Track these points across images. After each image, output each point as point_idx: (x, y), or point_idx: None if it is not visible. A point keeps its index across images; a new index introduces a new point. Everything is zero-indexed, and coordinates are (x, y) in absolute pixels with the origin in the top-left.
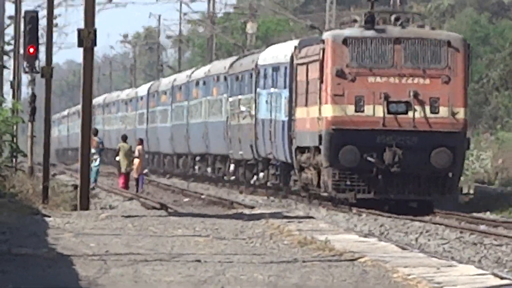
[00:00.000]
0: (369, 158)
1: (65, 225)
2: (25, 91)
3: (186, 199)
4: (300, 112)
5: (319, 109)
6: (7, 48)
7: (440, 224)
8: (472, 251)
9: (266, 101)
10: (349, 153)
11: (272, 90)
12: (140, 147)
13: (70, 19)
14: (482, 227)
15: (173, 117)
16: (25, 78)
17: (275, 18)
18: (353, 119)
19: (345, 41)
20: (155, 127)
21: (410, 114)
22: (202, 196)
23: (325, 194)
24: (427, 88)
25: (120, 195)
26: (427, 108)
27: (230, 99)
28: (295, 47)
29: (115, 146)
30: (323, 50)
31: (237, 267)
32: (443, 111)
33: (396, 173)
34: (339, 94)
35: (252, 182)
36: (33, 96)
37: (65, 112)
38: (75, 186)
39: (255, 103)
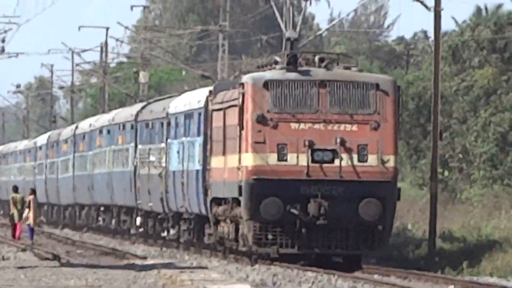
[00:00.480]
0: (292, 210)
1: None
2: None
3: (79, 251)
4: (216, 161)
5: (239, 158)
6: None
7: (333, 274)
8: None
9: (178, 152)
10: (271, 205)
11: (184, 139)
12: (31, 196)
13: None
14: (376, 277)
15: (76, 167)
16: None
17: (167, 67)
18: (275, 169)
19: (266, 84)
20: (55, 177)
21: (337, 162)
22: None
23: (244, 248)
24: (355, 135)
25: (14, 246)
26: (355, 156)
27: (140, 147)
28: (210, 92)
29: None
30: (243, 94)
31: None
32: (372, 159)
33: (321, 226)
34: (260, 141)
35: (163, 235)
36: None
37: None
38: None
39: (166, 153)
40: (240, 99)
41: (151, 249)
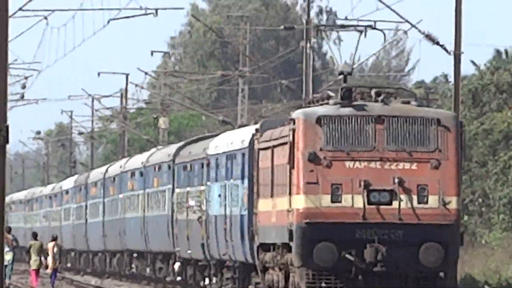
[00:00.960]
0: (347, 256)
1: None
2: None
3: None
4: (263, 205)
5: (289, 200)
6: None
7: None
8: None
9: (219, 195)
10: (325, 251)
11: (226, 182)
12: (52, 243)
13: None
14: None
15: (106, 211)
16: None
17: (187, 113)
18: (328, 211)
19: (318, 120)
20: (83, 223)
21: (395, 204)
22: None
23: None
24: (414, 174)
25: None
26: (414, 198)
27: (177, 191)
28: (256, 130)
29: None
30: (293, 130)
31: None
32: (433, 200)
33: (379, 273)
34: (313, 182)
35: (202, 285)
36: None
37: None
38: None
39: (206, 197)
40: (291, 136)
41: None
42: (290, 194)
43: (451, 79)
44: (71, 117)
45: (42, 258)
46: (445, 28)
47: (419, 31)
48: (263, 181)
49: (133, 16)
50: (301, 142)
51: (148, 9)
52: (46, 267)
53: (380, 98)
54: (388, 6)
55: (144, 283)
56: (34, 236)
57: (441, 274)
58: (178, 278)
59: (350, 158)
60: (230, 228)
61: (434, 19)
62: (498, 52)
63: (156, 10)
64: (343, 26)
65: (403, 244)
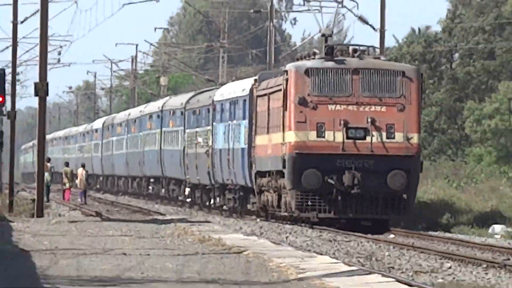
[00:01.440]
0: (330, 181)
1: (25, 228)
2: None
3: (116, 209)
4: (260, 140)
5: (283, 136)
6: None
7: (304, 226)
8: (328, 246)
9: (224, 133)
10: (312, 176)
11: (229, 122)
12: (81, 169)
13: (29, 75)
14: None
15: (128, 146)
16: None
17: (181, 74)
18: (314, 144)
19: (307, 71)
20: (110, 154)
21: (368, 139)
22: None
23: (285, 214)
24: (384, 115)
25: (67, 206)
26: (384, 134)
27: (188, 131)
28: (255, 80)
29: (75, 171)
30: (287, 80)
31: (153, 258)
32: (399, 136)
33: (355, 195)
34: (302, 121)
35: (209, 204)
36: (1, 133)
37: (30, 144)
38: (33, 200)
39: (212, 135)
40: (284, 85)
41: (169, 208)
42: (283, 130)
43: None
44: (95, 76)
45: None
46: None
47: (354, 14)
48: (260, 121)
49: (141, 2)
50: (292, 89)
51: None
52: (76, 186)
53: (356, 54)
54: None
55: (157, 201)
56: (66, 164)
57: (404, 196)
58: (188, 200)
59: (332, 102)
60: (232, 159)
61: (367, 4)
62: (413, 29)
63: None
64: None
65: (374, 171)
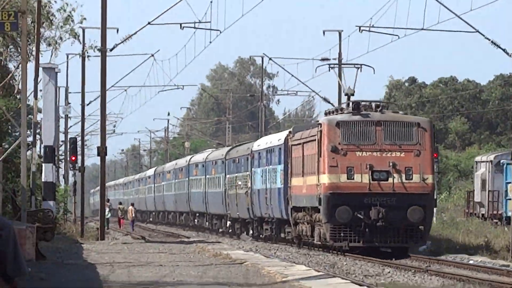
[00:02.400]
0: (358, 215)
1: (92, 248)
2: (70, 180)
3: (155, 234)
4: (295, 181)
5: (318, 178)
6: (61, 158)
7: (291, 245)
8: (304, 258)
9: (261, 176)
10: (344, 212)
11: (266, 167)
12: (131, 207)
13: (93, 141)
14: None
15: (176, 188)
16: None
17: (199, 139)
18: (345, 185)
19: (338, 124)
20: (161, 195)
21: (390, 180)
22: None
23: (319, 242)
24: (403, 160)
25: (121, 232)
26: (403, 176)
27: (228, 176)
28: (290, 132)
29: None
30: (320, 131)
31: (181, 268)
32: (416, 177)
33: (380, 227)
34: (334, 165)
35: (246, 234)
36: (74, 183)
37: (97, 188)
38: (97, 228)
39: (251, 178)
40: (318, 135)
41: (193, 233)
42: (318, 173)
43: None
44: (139, 142)
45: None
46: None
47: (320, 96)
48: (295, 166)
49: (171, 89)
50: (325, 138)
51: (179, 86)
52: (127, 218)
53: (378, 109)
54: (303, 83)
55: (186, 228)
56: (120, 203)
57: (421, 227)
58: (230, 230)
59: (359, 149)
60: (270, 197)
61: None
62: None
63: (183, 86)
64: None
65: (396, 207)
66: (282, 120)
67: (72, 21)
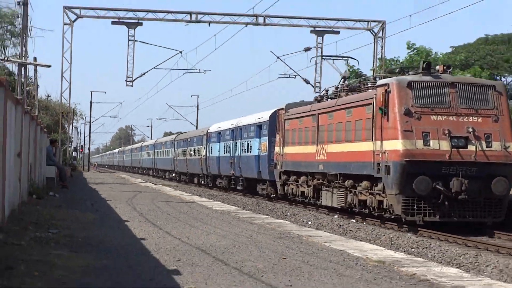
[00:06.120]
0: (438, 187)
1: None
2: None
3: None
4: (288, 149)
5: (375, 144)
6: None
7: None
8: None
9: (223, 148)
10: (423, 182)
11: (230, 142)
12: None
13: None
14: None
15: (148, 155)
16: None
17: None
18: (422, 152)
19: (409, 84)
20: (139, 159)
21: (470, 147)
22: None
23: (387, 215)
24: (481, 126)
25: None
26: (483, 143)
27: (177, 149)
28: (283, 109)
29: None
30: (385, 92)
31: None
32: (496, 145)
33: (461, 200)
34: (409, 130)
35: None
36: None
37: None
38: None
39: (206, 149)
40: (382, 97)
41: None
42: (374, 139)
43: None
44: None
45: None
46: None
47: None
48: (290, 136)
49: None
50: (396, 100)
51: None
52: None
53: (449, 70)
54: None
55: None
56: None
57: (502, 200)
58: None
59: (434, 113)
60: (238, 162)
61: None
62: None
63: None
64: None
65: (477, 178)
66: None
67: None
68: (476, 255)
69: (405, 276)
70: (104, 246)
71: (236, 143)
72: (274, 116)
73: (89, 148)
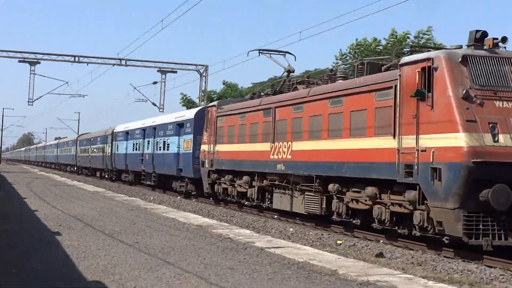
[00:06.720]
0: None
1: None
2: None
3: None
4: (221, 147)
5: (416, 139)
6: None
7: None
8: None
9: (132, 146)
10: (503, 193)
11: (142, 140)
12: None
13: None
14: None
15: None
16: None
17: None
18: (494, 151)
19: (464, 59)
20: (56, 155)
21: None
22: None
23: (418, 233)
24: None
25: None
26: None
27: (79, 147)
28: (215, 106)
29: None
30: (421, 71)
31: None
32: None
33: None
34: (472, 120)
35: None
36: None
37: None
38: None
39: (111, 147)
40: (417, 78)
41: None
42: (400, 134)
43: None
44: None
45: None
46: None
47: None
48: (220, 134)
49: None
50: (448, 80)
51: None
52: None
53: (504, 45)
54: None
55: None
56: None
57: None
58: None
59: (498, 97)
60: (151, 159)
61: None
62: None
63: None
64: None
65: None
66: None
67: None
68: (265, 221)
69: (215, 235)
70: (6, 215)
71: (148, 141)
72: (201, 114)
73: (0, 147)
